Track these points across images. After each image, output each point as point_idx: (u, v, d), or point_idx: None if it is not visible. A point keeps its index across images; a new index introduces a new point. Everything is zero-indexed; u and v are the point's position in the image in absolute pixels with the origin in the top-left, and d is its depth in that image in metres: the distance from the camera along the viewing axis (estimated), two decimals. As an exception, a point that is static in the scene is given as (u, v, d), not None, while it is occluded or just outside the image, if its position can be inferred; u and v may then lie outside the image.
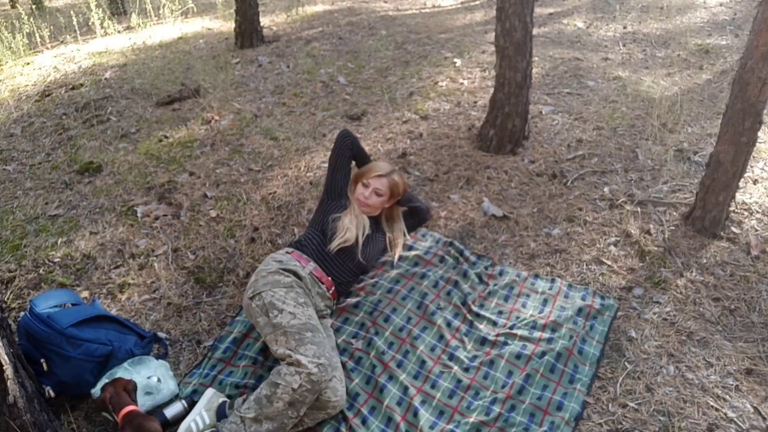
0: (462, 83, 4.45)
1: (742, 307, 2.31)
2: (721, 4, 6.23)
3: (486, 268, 2.56)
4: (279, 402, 1.76)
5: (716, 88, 4.21)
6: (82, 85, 4.81)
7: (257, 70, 4.93)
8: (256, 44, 5.52)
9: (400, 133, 3.74)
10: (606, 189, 3.07)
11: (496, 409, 1.91)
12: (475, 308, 2.31)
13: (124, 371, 1.99)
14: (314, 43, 5.52)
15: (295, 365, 1.79)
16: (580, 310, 2.26)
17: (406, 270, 2.46)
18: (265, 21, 6.00)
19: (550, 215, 2.89)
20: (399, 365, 2.07)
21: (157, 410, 1.94)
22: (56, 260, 2.72)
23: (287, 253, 2.27)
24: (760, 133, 2.54)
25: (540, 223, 2.85)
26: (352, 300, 2.34)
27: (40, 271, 2.65)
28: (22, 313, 2.18)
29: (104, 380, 1.96)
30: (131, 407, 1.77)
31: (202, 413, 1.89)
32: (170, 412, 1.91)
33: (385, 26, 5.95)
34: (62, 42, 6.30)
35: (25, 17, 6.50)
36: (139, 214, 3.03)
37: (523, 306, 2.35)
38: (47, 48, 6.10)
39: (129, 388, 1.84)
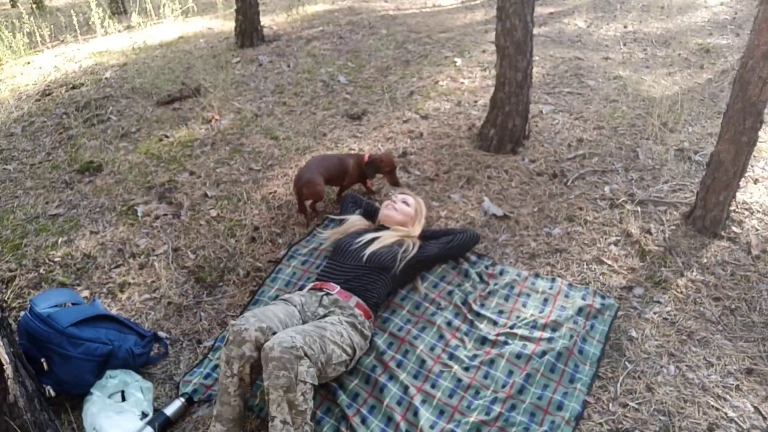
0: (462, 83, 4.45)
1: (743, 306, 2.31)
2: (721, 4, 6.22)
3: (486, 267, 2.56)
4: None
5: (717, 87, 4.21)
6: (82, 84, 4.81)
7: (258, 70, 4.93)
8: (257, 44, 5.52)
9: (400, 133, 3.74)
10: (606, 188, 3.07)
11: (497, 408, 1.90)
12: (475, 307, 2.31)
13: (92, 402, 1.91)
14: (315, 43, 5.52)
15: None
16: (580, 310, 2.26)
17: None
18: (265, 20, 6.00)
19: (550, 215, 2.89)
20: (399, 365, 2.07)
21: (157, 410, 1.94)
22: (57, 260, 2.72)
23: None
24: (760, 133, 2.54)
25: (540, 223, 2.84)
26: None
27: (41, 271, 2.65)
28: (22, 313, 2.18)
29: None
30: None
31: None
32: (170, 410, 1.92)
33: (385, 25, 5.94)
34: (63, 41, 6.31)
35: (26, 16, 6.51)
36: (139, 214, 3.03)
37: (524, 305, 2.34)
38: (48, 47, 6.11)
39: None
